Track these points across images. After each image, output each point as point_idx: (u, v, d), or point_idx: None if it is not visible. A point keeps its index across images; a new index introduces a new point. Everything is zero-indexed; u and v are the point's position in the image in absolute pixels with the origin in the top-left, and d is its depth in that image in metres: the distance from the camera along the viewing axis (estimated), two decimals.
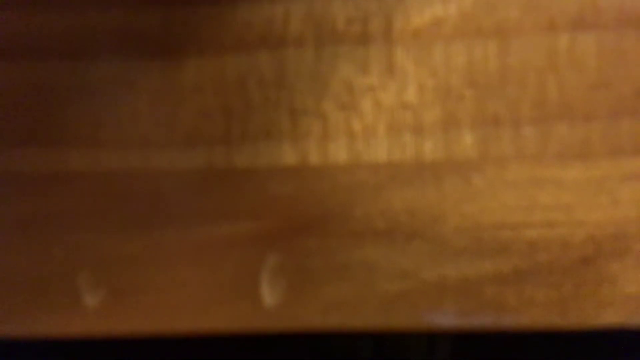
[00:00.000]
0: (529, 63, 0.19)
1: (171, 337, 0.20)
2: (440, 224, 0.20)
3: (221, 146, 0.20)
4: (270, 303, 0.20)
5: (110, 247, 0.20)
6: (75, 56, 0.20)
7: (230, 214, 0.20)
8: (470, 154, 0.20)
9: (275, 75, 0.20)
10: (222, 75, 0.20)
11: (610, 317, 0.20)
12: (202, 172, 0.20)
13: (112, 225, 0.20)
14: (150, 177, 0.20)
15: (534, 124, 0.19)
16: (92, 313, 0.19)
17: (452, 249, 0.20)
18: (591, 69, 0.20)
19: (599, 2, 0.19)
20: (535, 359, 0.46)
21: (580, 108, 0.20)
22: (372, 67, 0.19)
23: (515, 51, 0.19)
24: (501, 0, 0.19)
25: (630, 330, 0.20)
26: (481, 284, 0.20)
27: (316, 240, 0.20)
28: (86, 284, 0.19)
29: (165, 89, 0.20)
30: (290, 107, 0.19)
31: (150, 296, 0.20)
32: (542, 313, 0.21)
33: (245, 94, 0.20)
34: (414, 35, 0.19)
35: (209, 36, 0.20)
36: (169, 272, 0.20)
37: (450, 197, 0.20)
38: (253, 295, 0.20)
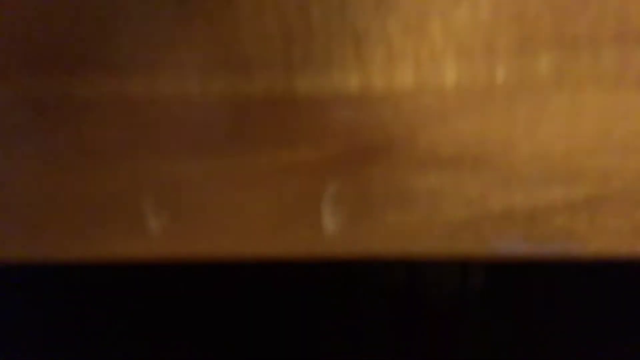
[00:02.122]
0: None
1: (234, 262, 0.20)
2: (510, 151, 0.19)
3: (281, 71, 0.19)
4: (332, 230, 0.20)
5: (173, 172, 0.20)
6: None
7: (291, 140, 0.20)
8: (545, 78, 0.18)
9: None
10: None
11: None
12: (261, 97, 0.19)
13: (174, 151, 0.19)
14: (209, 103, 0.19)
15: (614, 48, 0.18)
16: (156, 236, 0.20)
17: (521, 176, 0.20)
18: None
19: None
20: (566, 293, 0.46)
21: None
22: None
23: None
24: None
25: None
26: (551, 211, 0.20)
27: (379, 168, 0.20)
28: (150, 207, 0.20)
29: (222, 10, 0.19)
30: (353, 29, 0.18)
31: (212, 220, 0.20)
32: (613, 241, 0.20)
33: (306, 16, 0.18)
34: None
35: None
36: (230, 196, 0.20)
37: (521, 123, 0.19)
38: (314, 222, 0.20)
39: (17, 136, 0.20)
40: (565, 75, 0.18)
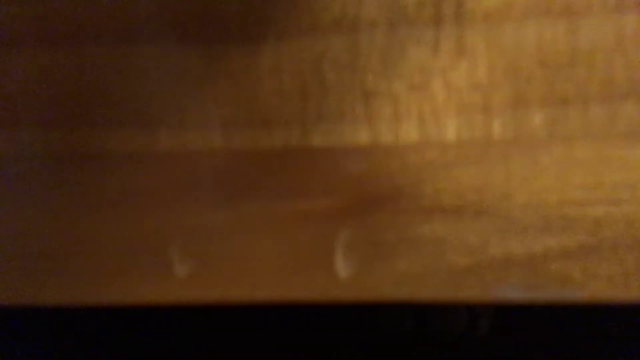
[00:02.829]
0: (597, 43, 0.20)
1: (252, 305, 0.21)
2: (507, 201, 0.21)
3: (298, 126, 0.21)
4: (344, 275, 0.21)
5: (198, 221, 0.21)
6: (160, 42, 0.21)
7: (306, 191, 0.21)
8: (538, 133, 0.20)
9: (349, 58, 0.20)
10: (298, 58, 0.21)
11: None
12: (280, 150, 0.21)
13: (199, 201, 0.21)
14: (232, 156, 0.21)
15: (602, 103, 0.20)
16: (181, 282, 0.21)
17: (518, 225, 0.21)
18: None
19: None
20: (572, 339, 0.46)
21: None
22: (442, 48, 0.20)
23: (584, 32, 0.20)
24: None
25: None
26: (547, 259, 0.21)
27: (387, 216, 0.21)
28: (176, 255, 0.21)
29: (244, 71, 0.21)
30: (363, 88, 0.20)
31: (234, 267, 0.21)
32: (606, 287, 0.21)
33: (320, 76, 0.20)
34: (484, 16, 0.20)
35: (285, 20, 0.21)
36: (251, 244, 0.21)
37: (517, 175, 0.21)
38: (328, 267, 0.21)
39: (45, 189, 0.21)
40: (556, 129, 0.20)
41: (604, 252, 0.21)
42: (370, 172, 0.21)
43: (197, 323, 0.45)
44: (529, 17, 0.20)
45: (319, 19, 0.20)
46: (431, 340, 0.45)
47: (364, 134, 0.21)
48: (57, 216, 0.21)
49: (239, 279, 0.21)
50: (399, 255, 0.21)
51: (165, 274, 0.21)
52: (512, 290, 0.21)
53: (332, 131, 0.21)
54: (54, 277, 0.22)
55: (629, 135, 0.20)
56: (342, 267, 0.21)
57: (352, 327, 0.44)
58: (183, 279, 0.21)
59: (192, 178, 0.21)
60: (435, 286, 0.21)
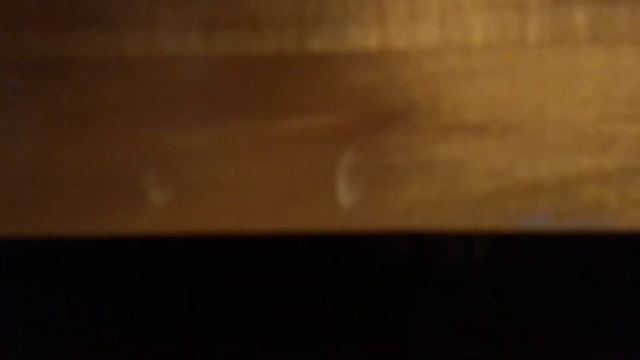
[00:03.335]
0: None
1: (241, 237, 0.18)
2: (539, 116, 0.18)
3: (292, 28, 0.18)
4: (348, 203, 0.18)
5: (175, 143, 0.18)
6: None
7: (303, 106, 0.18)
8: (580, 34, 0.17)
9: None
10: None
11: None
12: (271, 58, 0.18)
13: (176, 119, 0.18)
14: (214, 64, 0.18)
15: None
16: (159, 211, 0.18)
17: (550, 144, 0.18)
18: None
19: None
20: (567, 265, 0.45)
21: None
22: None
23: None
24: None
25: None
26: (580, 183, 0.19)
27: (398, 135, 0.18)
28: (152, 181, 0.18)
29: None
30: None
31: (220, 194, 0.18)
32: None
33: None
34: None
35: None
36: (238, 168, 0.18)
37: (552, 85, 0.18)
38: (329, 195, 0.18)
39: (8, 104, 0.18)
40: (601, 31, 0.17)
41: None
42: (380, 83, 0.18)
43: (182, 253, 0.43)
44: None
45: None
46: (426, 266, 0.44)
47: (372, 36, 0.18)
48: (19, 138, 0.18)
49: (225, 209, 0.18)
50: (411, 180, 0.18)
51: (141, 203, 0.18)
52: (540, 218, 0.18)
53: (334, 33, 0.18)
54: (19, 207, 0.19)
55: None
56: (345, 194, 0.18)
57: (345, 252, 0.43)
58: (160, 207, 0.18)
59: (167, 89, 0.18)
60: (451, 215, 0.19)
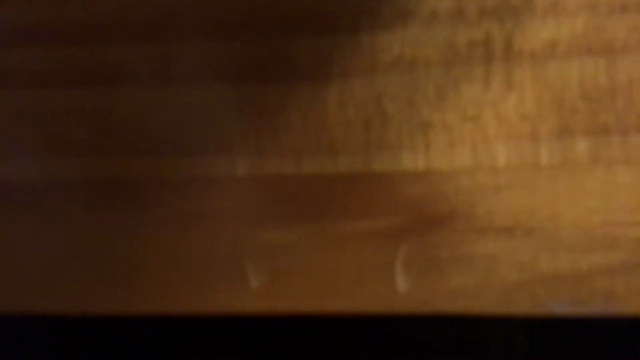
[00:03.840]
0: (635, 78, 0.22)
1: (321, 316, 0.23)
2: (555, 221, 0.22)
3: (361, 153, 0.23)
4: (403, 288, 0.23)
5: (270, 238, 0.23)
6: (243, 83, 0.24)
7: (368, 211, 0.23)
8: (582, 159, 0.22)
9: (407, 94, 0.23)
10: (360, 94, 0.23)
11: None
12: (344, 175, 0.23)
13: (272, 220, 0.23)
14: (303, 180, 0.23)
15: None
16: (255, 293, 0.23)
17: (566, 243, 0.22)
18: None
19: None
20: (608, 354, 0.46)
21: None
22: (493, 83, 0.22)
23: (623, 68, 0.22)
24: (609, 22, 0.22)
25: None
26: (592, 275, 0.22)
27: (443, 235, 0.23)
28: (251, 268, 0.23)
29: (314, 105, 0.23)
30: (420, 120, 0.23)
31: (304, 280, 0.23)
32: None
33: (382, 109, 0.23)
34: (530, 55, 0.22)
35: (350, 60, 0.23)
36: (318, 259, 0.23)
37: (564, 197, 0.22)
38: (389, 282, 0.23)
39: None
40: (599, 156, 0.22)
41: None
42: (427, 195, 0.23)
43: None
44: (572, 56, 0.22)
45: (380, 58, 0.23)
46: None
47: (421, 160, 0.23)
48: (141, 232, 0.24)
49: (308, 292, 0.23)
50: (454, 271, 0.23)
51: (240, 285, 0.23)
52: (561, 305, 0.23)
53: (392, 158, 0.23)
54: (137, 288, 0.24)
55: None
56: (402, 282, 0.23)
57: (390, 339, 0.44)
58: (257, 290, 0.23)
59: (265, 200, 0.23)
60: (488, 300, 0.23)
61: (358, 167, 0.23)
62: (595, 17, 0.21)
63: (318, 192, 0.23)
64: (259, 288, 0.23)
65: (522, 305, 0.22)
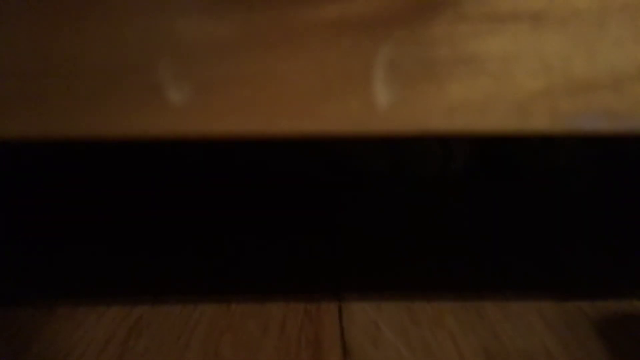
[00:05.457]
0: None
1: (268, 140, 0.16)
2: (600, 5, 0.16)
3: None
4: (385, 102, 0.16)
5: (195, 31, 0.16)
6: None
7: None
8: None
9: None
10: None
11: None
12: None
13: (196, 4, 0.15)
14: None
15: None
16: (177, 110, 0.16)
17: (612, 35, 0.16)
18: None
19: None
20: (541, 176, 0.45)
21: None
22: None
23: None
24: None
25: None
26: (636, 80, 0.17)
27: (442, 26, 0.16)
28: (168, 76, 0.16)
29: None
30: None
31: (245, 91, 0.16)
32: None
33: None
34: None
35: None
36: (265, 61, 0.16)
37: None
38: (365, 93, 0.16)
39: None
40: None
41: None
42: None
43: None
44: None
45: None
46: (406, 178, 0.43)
47: None
48: (18, 25, 0.16)
49: (251, 107, 0.16)
50: (454, 78, 0.16)
51: (155, 99, 0.16)
52: (592, 119, 0.17)
53: None
54: (19, 105, 0.16)
55: None
56: (382, 93, 0.16)
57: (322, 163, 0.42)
58: (178, 106, 0.16)
59: None
60: (495, 115, 0.17)
61: None
62: None
63: None
64: (181, 103, 0.16)
65: (541, 120, 0.16)
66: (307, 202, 0.42)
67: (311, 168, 0.43)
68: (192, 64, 0.16)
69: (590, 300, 0.27)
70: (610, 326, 0.25)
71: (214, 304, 0.27)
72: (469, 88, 0.16)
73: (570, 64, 0.16)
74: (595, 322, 0.25)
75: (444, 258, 0.32)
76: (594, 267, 0.31)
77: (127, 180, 0.43)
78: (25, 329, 0.25)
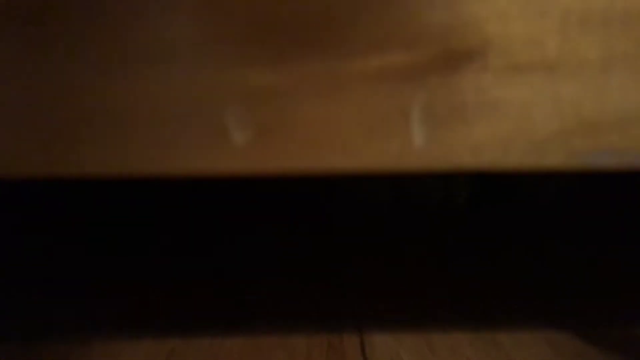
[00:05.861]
0: None
1: (323, 176, 0.18)
2: (604, 57, 0.18)
3: None
4: (420, 142, 0.19)
5: (257, 81, 0.18)
6: None
7: (380, 45, 0.18)
8: None
9: None
10: None
11: None
12: None
13: (259, 57, 0.18)
14: (296, 4, 0.18)
15: None
16: (240, 150, 0.18)
17: (617, 82, 0.19)
18: None
19: None
20: (547, 214, 0.47)
21: None
22: None
23: None
24: None
25: None
26: None
27: (471, 74, 0.18)
28: (233, 120, 0.18)
29: None
30: None
31: (299, 133, 0.18)
32: None
33: None
34: None
35: None
36: (317, 107, 0.18)
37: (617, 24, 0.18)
38: (403, 133, 0.19)
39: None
40: None
41: None
42: (454, 23, 0.18)
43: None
44: None
45: None
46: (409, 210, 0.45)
47: None
48: (85, 75, 0.18)
49: (305, 148, 0.18)
50: (481, 120, 0.19)
51: (221, 140, 0.18)
52: (601, 156, 0.19)
53: None
54: (111, 144, 0.18)
55: None
56: (418, 133, 0.19)
57: (330, 196, 0.44)
58: (242, 146, 0.18)
59: (251, 28, 0.18)
60: (517, 153, 0.19)
61: None
62: None
63: (315, 17, 0.17)
64: (244, 144, 0.18)
65: (556, 158, 0.19)
66: (320, 241, 0.43)
67: (324, 208, 0.45)
68: (254, 109, 0.18)
69: (595, 329, 0.29)
70: (616, 353, 0.27)
71: (241, 337, 0.29)
72: (493, 129, 0.19)
73: (581, 107, 0.19)
74: (600, 350, 0.27)
75: (456, 290, 0.34)
76: (599, 295, 0.33)
77: (152, 215, 0.45)
78: None
